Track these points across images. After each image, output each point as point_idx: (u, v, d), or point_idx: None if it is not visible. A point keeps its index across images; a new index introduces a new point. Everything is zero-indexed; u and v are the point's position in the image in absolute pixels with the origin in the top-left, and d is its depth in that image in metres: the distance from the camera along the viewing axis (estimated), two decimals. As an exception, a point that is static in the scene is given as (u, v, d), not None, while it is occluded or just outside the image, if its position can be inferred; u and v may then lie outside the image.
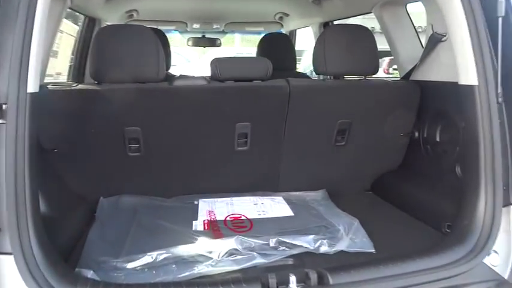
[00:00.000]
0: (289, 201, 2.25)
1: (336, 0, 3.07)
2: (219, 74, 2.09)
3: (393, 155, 2.48)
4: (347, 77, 2.37)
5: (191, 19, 4.07)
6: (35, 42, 1.29)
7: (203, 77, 2.13)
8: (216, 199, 2.26)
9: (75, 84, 2.06)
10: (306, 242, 1.70)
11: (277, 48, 3.57)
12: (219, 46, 4.59)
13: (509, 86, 1.57)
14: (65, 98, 1.97)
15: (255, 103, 2.15)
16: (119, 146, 2.09)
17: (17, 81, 1.26)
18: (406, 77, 2.37)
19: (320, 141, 2.32)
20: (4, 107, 1.25)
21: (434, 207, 2.01)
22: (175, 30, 4.44)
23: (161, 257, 1.58)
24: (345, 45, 2.15)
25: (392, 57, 2.69)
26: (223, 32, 4.57)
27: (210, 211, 2.11)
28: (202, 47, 4.90)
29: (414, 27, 2.49)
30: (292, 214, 2.08)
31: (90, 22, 3.20)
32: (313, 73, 4.25)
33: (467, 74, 1.63)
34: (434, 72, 2.15)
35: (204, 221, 1.99)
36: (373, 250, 1.74)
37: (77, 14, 3.11)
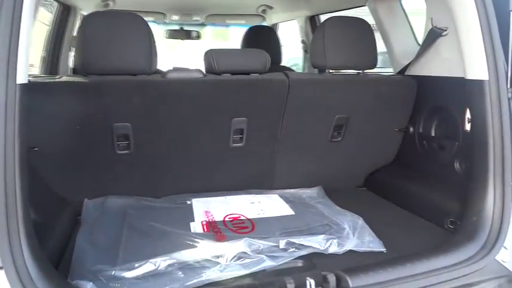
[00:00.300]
0: (286, 199, 2.17)
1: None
2: (215, 67, 1.97)
3: (387, 151, 2.46)
4: (344, 71, 2.32)
5: (170, 10, 3.88)
6: (24, 31, 1.17)
7: (198, 69, 2.01)
8: (209, 198, 2.15)
9: (58, 77, 1.88)
10: (316, 243, 1.63)
11: (263, 41, 3.47)
12: (198, 39, 4.42)
13: (519, 81, 1.57)
14: (48, 91, 1.79)
15: (252, 97, 2.06)
16: (107, 143, 1.94)
17: (5, 71, 1.13)
18: (402, 72, 2.35)
19: (316, 136, 2.27)
20: None
21: (433, 202, 2.00)
22: (153, 22, 4.22)
23: (165, 264, 1.45)
24: (345, 38, 2.10)
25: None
26: (203, 25, 4.41)
27: (206, 211, 2.00)
28: (174, 40, 4.67)
29: (409, 21, 2.47)
30: (292, 213, 2.01)
31: (65, 10, 2.99)
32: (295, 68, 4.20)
33: (477, 69, 1.61)
34: (433, 67, 2.13)
35: (202, 222, 1.88)
36: (384, 249, 1.69)
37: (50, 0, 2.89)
